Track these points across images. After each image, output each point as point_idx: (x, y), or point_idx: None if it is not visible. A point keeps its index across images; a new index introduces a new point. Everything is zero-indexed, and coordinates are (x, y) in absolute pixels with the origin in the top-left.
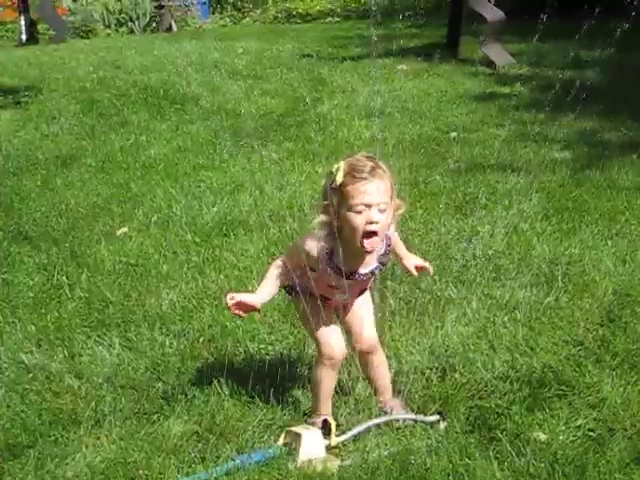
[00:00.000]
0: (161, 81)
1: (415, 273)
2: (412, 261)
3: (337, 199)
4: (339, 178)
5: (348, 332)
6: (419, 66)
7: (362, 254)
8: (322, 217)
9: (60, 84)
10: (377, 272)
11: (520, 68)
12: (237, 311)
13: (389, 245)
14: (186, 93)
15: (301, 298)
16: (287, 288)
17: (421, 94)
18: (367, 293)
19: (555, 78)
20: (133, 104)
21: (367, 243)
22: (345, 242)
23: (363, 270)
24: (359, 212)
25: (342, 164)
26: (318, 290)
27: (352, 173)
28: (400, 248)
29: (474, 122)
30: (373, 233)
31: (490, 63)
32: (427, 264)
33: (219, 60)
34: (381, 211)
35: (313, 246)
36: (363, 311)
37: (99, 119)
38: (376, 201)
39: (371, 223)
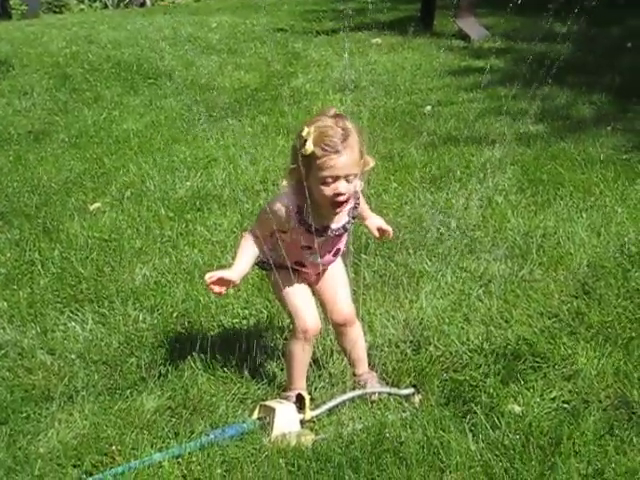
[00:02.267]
0: (134, 56)
1: (377, 234)
2: (375, 222)
3: (306, 166)
4: (309, 147)
5: (323, 304)
6: (393, 40)
7: (332, 213)
8: (290, 179)
9: (32, 59)
10: (348, 226)
11: (494, 41)
12: (217, 289)
13: (358, 198)
14: (159, 68)
15: (274, 272)
16: (260, 264)
17: (395, 68)
18: (340, 263)
19: (529, 51)
20: (106, 79)
21: (336, 209)
22: (314, 201)
23: (335, 225)
24: (327, 184)
25: (312, 131)
26: (291, 256)
27: (322, 145)
28: (363, 208)
29: (448, 95)
30: (339, 204)
31: (464, 37)
32: (389, 227)
33: (193, 35)
34: (349, 181)
35: (282, 206)
36: (337, 282)
37: (72, 94)
38: (344, 174)
39: (338, 194)
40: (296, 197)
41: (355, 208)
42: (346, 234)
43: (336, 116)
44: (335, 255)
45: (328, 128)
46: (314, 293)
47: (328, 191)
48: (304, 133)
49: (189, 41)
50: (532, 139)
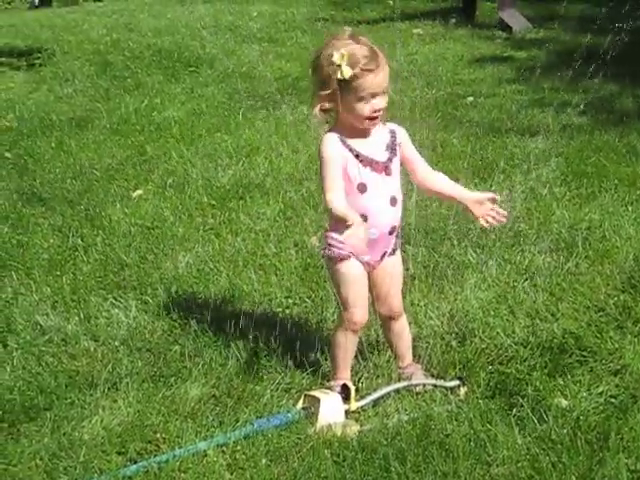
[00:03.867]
0: (175, 44)
1: (485, 224)
2: (472, 196)
3: (343, 90)
4: (347, 71)
5: (374, 294)
6: (435, 30)
7: (365, 133)
8: (325, 105)
9: (73, 46)
10: (393, 160)
11: (537, 32)
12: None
13: (394, 137)
14: (200, 56)
15: (336, 260)
16: (323, 251)
17: (437, 58)
18: (399, 257)
19: (573, 42)
20: (147, 67)
21: (370, 124)
22: (348, 126)
23: (378, 158)
24: (367, 101)
25: (344, 55)
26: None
27: (360, 66)
28: (444, 184)
29: (491, 87)
30: (375, 118)
31: (506, 27)
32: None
33: (233, 23)
34: (384, 94)
35: (331, 140)
36: (393, 275)
37: (113, 81)
38: (382, 89)
39: (376, 111)
40: (334, 129)
41: (393, 149)
42: (399, 209)
43: (353, 36)
44: (391, 234)
45: (358, 49)
46: (369, 282)
47: (368, 108)
48: (335, 59)
49: (230, 30)
50: (576, 131)
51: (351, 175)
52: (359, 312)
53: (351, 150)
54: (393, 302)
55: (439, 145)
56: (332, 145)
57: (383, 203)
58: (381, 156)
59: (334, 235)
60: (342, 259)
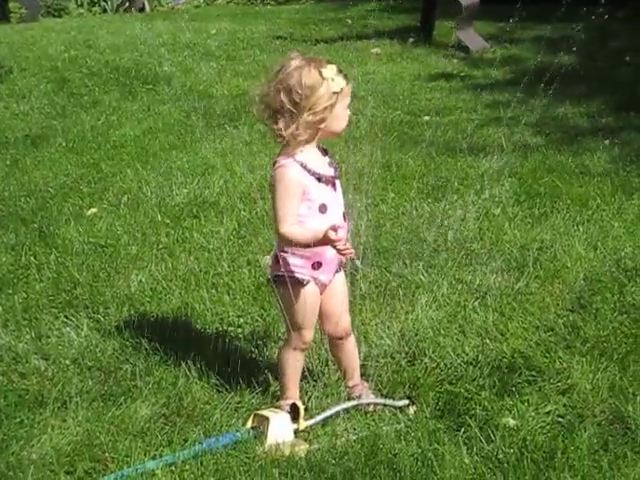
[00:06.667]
0: (133, 61)
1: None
2: None
3: (334, 101)
4: (342, 80)
5: (323, 316)
6: (392, 49)
7: (321, 154)
8: (313, 117)
9: (31, 63)
10: (337, 178)
11: (494, 52)
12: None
13: (331, 157)
14: (158, 73)
15: (295, 284)
16: (276, 277)
17: (394, 78)
18: (343, 275)
19: (529, 62)
20: (104, 84)
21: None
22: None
23: (330, 172)
24: (348, 107)
25: (331, 68)
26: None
27: (344, 75)
28: None
29: (447, 106)
30: None
31: (464, 47)
32: None
33: (192, 41)
34: None
35: (291, 166)
36: (342, 296)
37: (70, 98)
38: None
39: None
40: (290, 154)
41: (332, 161)
42: (347, 224)
43: (304, 55)
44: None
45: (326, 61)
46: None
47: (347, 114)
48: (326, 74)
49: (188, 47)
50: (530, 151)
51: (313, 198)
52: (310, 332)
53: (313, 174)
54: (343, 322)
55: (394, 165)
56: (293, 173)
57: (339, 220)
58: (329, 171)
59: (292, 259)
60: (302, 284)
